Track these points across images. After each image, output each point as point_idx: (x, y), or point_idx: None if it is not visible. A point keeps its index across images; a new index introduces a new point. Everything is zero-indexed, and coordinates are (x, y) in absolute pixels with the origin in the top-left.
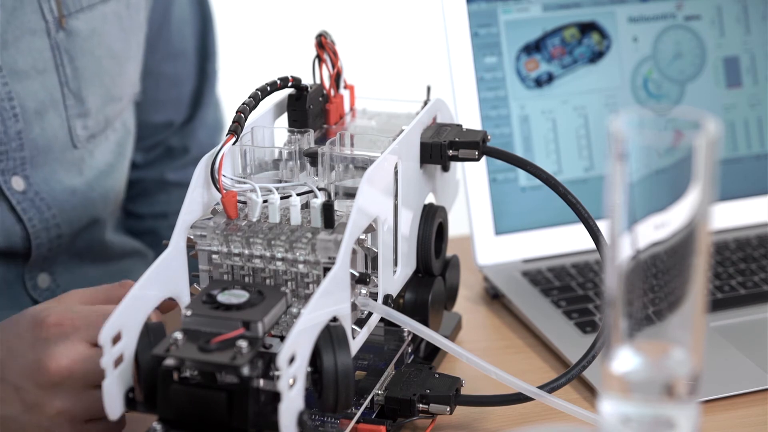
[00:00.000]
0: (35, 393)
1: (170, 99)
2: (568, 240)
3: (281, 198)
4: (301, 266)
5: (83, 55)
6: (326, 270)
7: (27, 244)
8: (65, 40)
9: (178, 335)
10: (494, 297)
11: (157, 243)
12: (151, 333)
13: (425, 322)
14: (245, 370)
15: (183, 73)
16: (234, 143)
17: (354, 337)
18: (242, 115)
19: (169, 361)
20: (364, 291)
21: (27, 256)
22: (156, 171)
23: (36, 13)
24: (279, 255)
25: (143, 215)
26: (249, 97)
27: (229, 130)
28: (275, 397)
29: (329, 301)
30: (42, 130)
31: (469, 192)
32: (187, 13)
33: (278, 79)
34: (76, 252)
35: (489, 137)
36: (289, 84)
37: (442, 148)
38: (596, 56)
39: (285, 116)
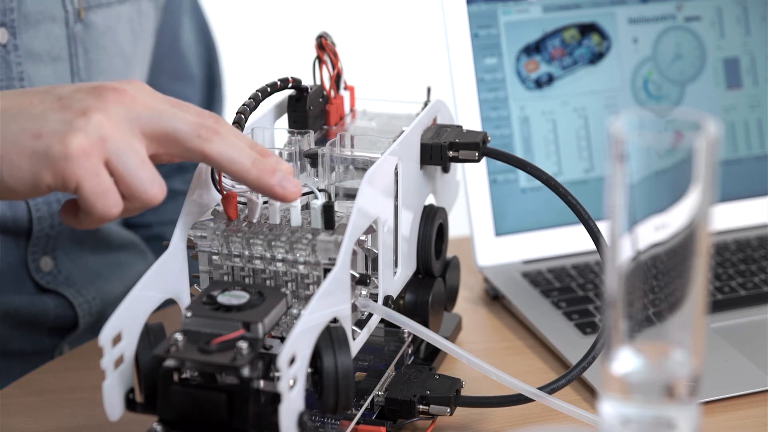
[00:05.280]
0: (83, 97)
1: None
2: (569, 241)
3: None
4: (301, 267)
5: (96, 49)
6: (326, 271)
7: (28, 217)
8: (82, 32)
9: (179, 336)
10: (494, 298)
11: (163, 247)
12: (152, 334)
13: (425, 323)
14: (245, 371)
15: (190, 95)
16: None
17: (354, 338)
18: (242, 116)
19: (170, 362)
20: (364, 292)
21: (29, 234)
22: (166, 184)
23: (59, 1)
24: (279, 256)
25: (150, 223)
26: (249, 98)
27: None
28: (275, 398)
29: (329, 302)
30: None
31: (470, 193)
32: (192, 40)
33: (278, 80)
34: (77, 237)
35: (489, 138)
36: (290, 85)
37: (442, 149)
38: (596, 57)
39: (285, 117)
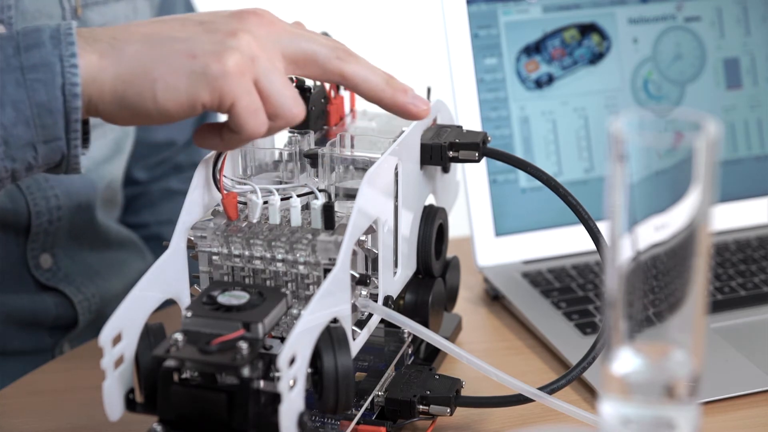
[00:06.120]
0: (225, 20)
1: None
2: (569, 241)
3: (281, 199)
4: (301, 267)
5: None
6: (326, 271)
7: (27, 212)
8: None
9: (179, 336)
10: (494, 298)
11: (162, 247)
12: (152, 334)
13: (425, 324)
14: (245, 372)
15: None
16: None
17: (354, 339)
18: None
19: (170, 362)
20: (364, 292)
21: (28, 230)
22: (163, 184)
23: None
24: (279, 256)
25: (148, 223)
26: None
27: None
28: (275, 399)
29: (329, 302)
30: None
31: (470, 193)
32: None
33: None
34: (75, 234)
35: (489, 138)
36: (293, 85)
37: (442, 149)
38: (596, 57)
39: None
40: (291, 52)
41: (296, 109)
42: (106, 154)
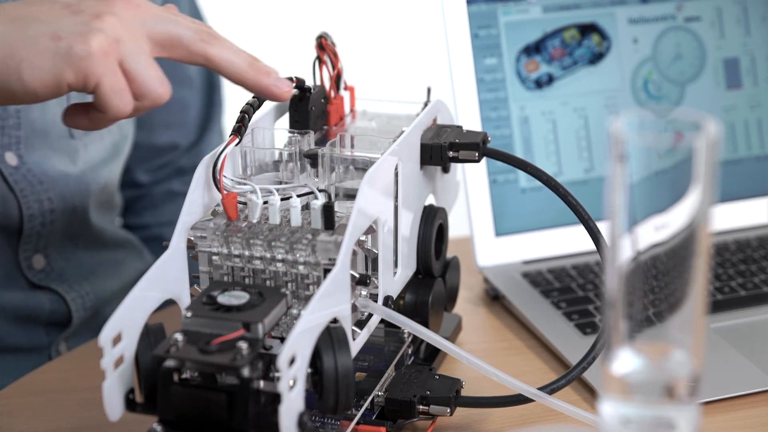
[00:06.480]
0: (92, 3)
1: (176, 122)
2: (569, 241)
3: (281, 199)
4: (301, 267)
5: None
6: (326, 271)
7: (19, 215)
8: None
9: (179, 336)
10: (494, 298)
11: (162, 247)
12: (152, 334)
13: (425, 324)
14: (245, 372)
15: (189, 98)
16: (237, 144)
17: (354, 339)
18: (246, 115)
19: (170, 362)
20: (364, 292)
21: (20, 232)
22: (165, 186)
23: None
24: (279, 256)
25: (150, 224)
26: (253, 97)
27: (232, 131)
28: (275, 399)
29: (329, 302)
30: (41, 114)
31: (470, 193)
32: None
33: None
34: (70, 235)
35: (489, 138)
36: (294, 85)
37: (442, 149)
38: (596, 57)
39: (285, 117)
40: (156, 34)
41: (161, 89)
42: (104, 157)
